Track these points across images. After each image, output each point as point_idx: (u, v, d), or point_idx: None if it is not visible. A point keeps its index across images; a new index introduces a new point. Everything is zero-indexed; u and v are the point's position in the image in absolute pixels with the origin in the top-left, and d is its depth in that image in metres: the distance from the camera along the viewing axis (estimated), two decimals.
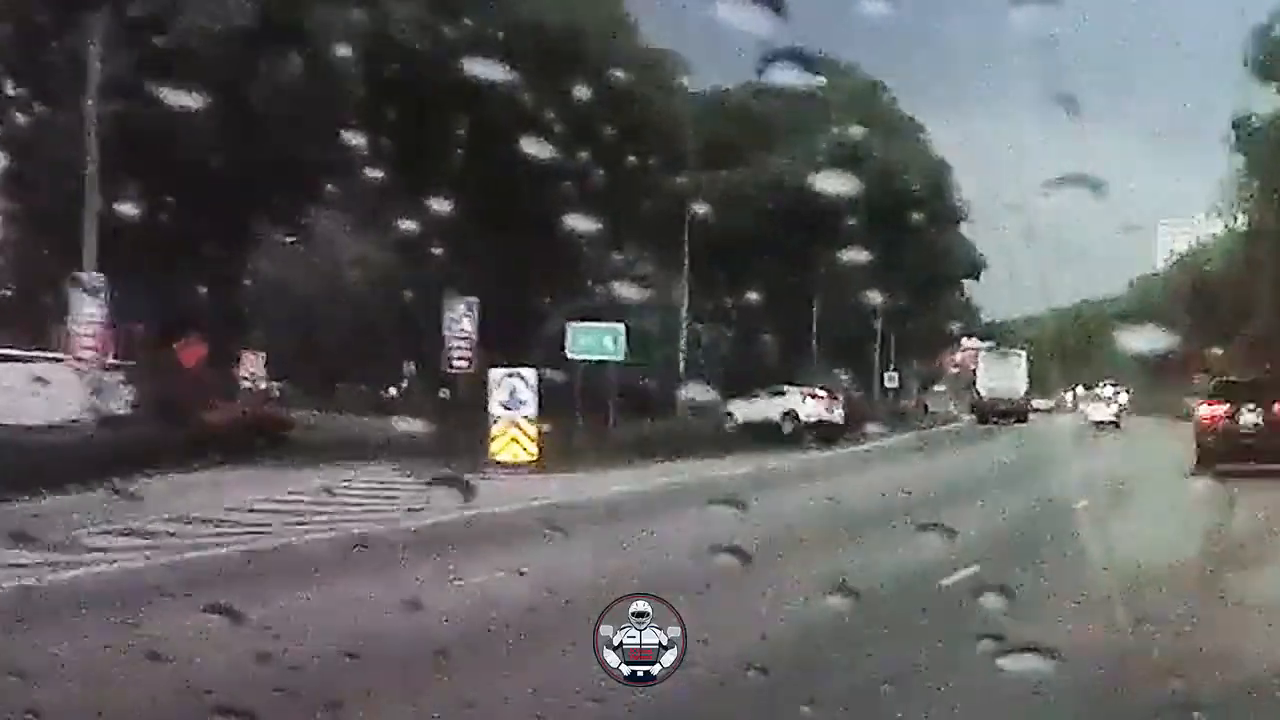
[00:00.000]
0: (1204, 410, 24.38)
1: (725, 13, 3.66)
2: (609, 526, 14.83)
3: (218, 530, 14.17)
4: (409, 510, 15.28)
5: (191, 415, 23.23)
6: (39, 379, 20.85)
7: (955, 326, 54.68)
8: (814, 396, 35.48)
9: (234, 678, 6.55)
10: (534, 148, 14.22)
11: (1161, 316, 43.09)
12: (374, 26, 24.85)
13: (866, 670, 7.24)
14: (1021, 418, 45.54)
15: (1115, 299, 59.76)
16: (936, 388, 60.41)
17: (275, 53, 23.94)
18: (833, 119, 33.64)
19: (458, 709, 6.67)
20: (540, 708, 6.56)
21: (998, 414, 45.55)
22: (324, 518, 15.87)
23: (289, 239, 32.49)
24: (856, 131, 32.45)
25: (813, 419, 34.63)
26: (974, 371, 52.14)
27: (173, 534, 13.34)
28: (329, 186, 27.75)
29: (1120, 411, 46.96)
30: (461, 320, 27.35)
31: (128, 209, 21.73)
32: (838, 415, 35.39)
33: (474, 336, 27.32)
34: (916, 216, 34.24)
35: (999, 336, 56.29)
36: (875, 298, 34.54)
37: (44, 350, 23.86)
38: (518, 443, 23.58)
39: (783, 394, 35.37)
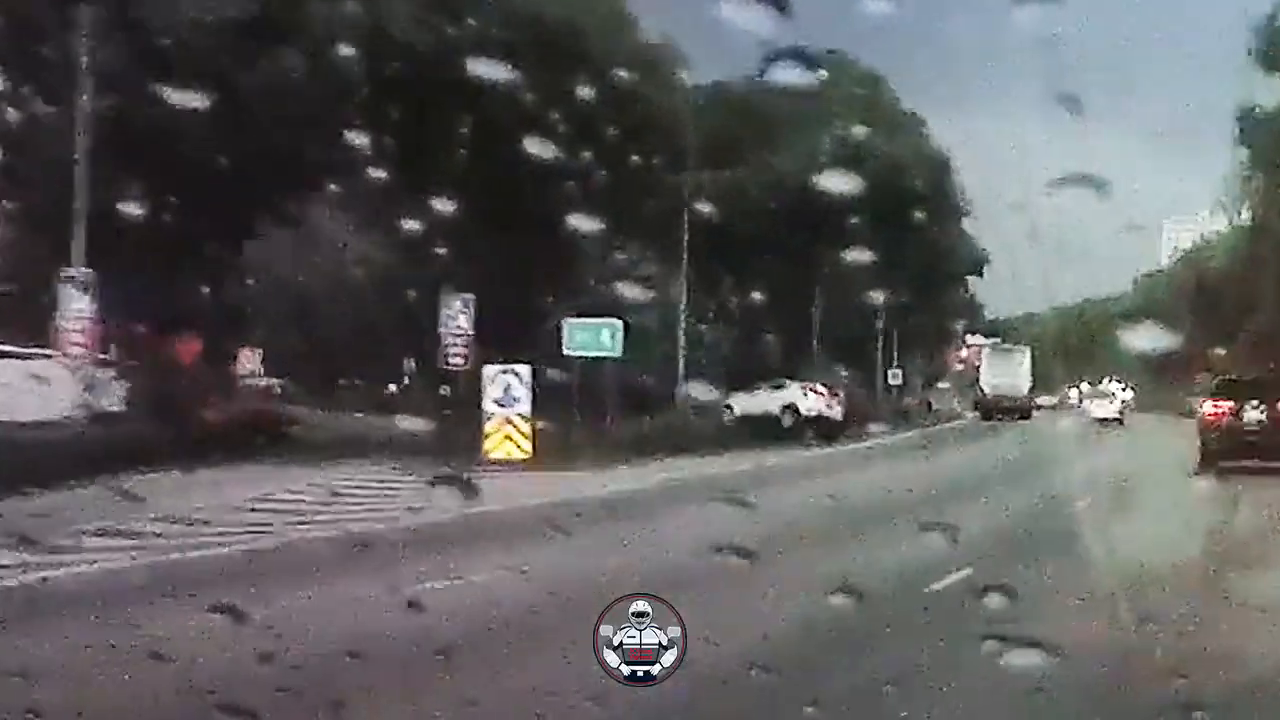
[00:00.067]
0: (1208, 408, 24.37)
1: (729, 12, 3.66)
2: (609, 525, 14.80)
3: (211, 530, 14.08)
4: (408, 509, 15.26)
5: (187, 412, 23.14)
6: (34, 376, 20.82)
7: (959, 324, 54.62)
8: (814, 391, 35.45)
9: (235, 677, 6.54)
10: (536, 147, 14.24)
11: (1165, 314, 43.01)
12: (372, 22, 24.81)
13: (869, 670, 7.23)
14: (1025, 415, 45.50)
15: (1119, 296, 59.73)
16: (941, 385, 60.34)
17: (272, 48, 23.89)
18: (834, 114, 33.58)
19: (459, 708, 6.66)
20: (541, 707, 6.55)
21: (1001, 411, 45.51)
22: (323, 516, 15.83)
23: (289, 236, 32.44)
24: (859, 131, 32.38)
25: (813, 413, 34.58)
26: (978, 369, 52.10)
27: (159, 534, 13.21)
28: (330, 184, 27.75)
29: (1124, 409, 46.93)
30: (458, 317, 27.22)
31: (124, 205, 21.64)
32: (837, 411, 35.35)
33: (470, 333, 27.21)
34: (919, 213, 34.16)
35: (1003, 334, 56.25)
36: (878, 296, 34.53)
37: (41, 347, 23.77)
38: (512, 440, 23.47)
39: (783, 388, 35.34)
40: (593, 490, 18.76)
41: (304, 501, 17.17)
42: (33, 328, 24.07)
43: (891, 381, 46.04)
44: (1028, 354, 49.01)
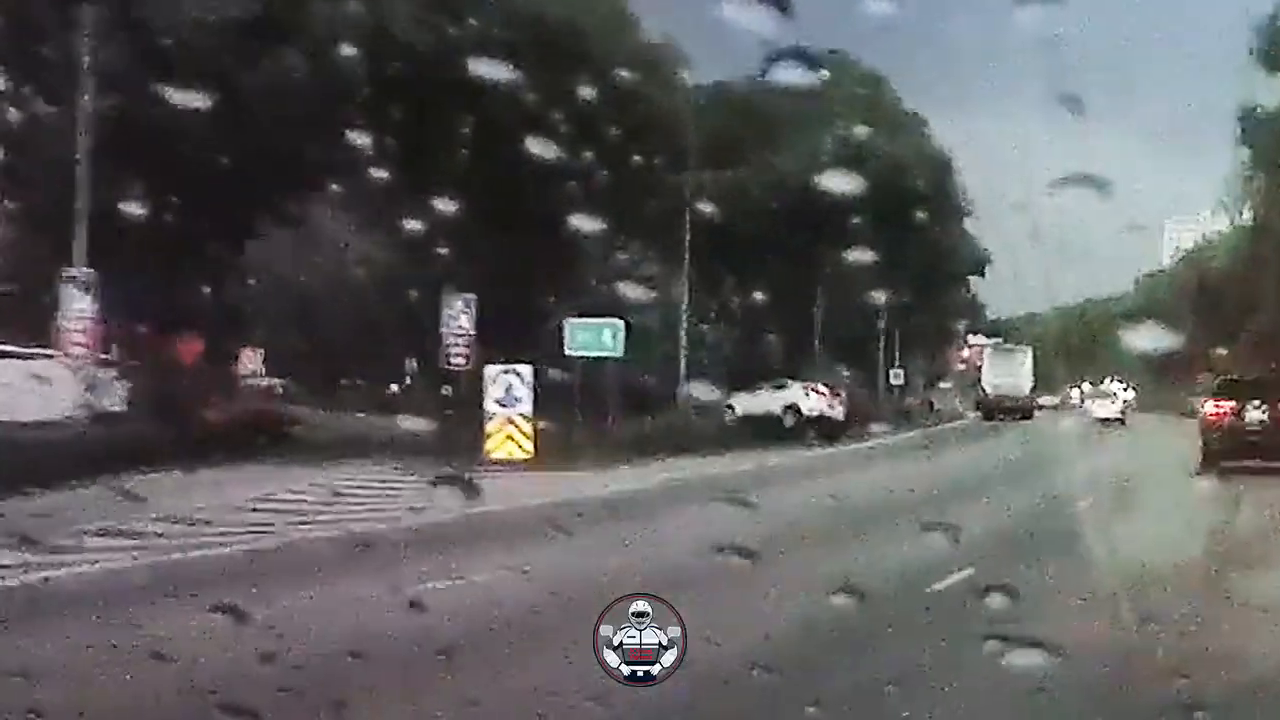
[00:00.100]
0: (1209, 407, 24.34)
1: (730, 12, 3.66)
2: (610, 525, 14.79)
3: (212, 530, 14.05)
4: (410, 509, 15.25)
5: (188, 413, 23.09)
6: (35, 376, 20.79)
7: (961, 324, 54.60)
8: (816, 391, 35.45)
9: (236, 677, 6.53)
10: (537, 147, 14.23)
11: (1167, 314, 42.97)
12: (374, 22, 24.80)
13: (871, 670, 7.22)
14: (1026, 415, 45.49)
15: (1121, 296, 59.71)
16: (943, 385, 60.34)
17: (274, 48, 23.89)
18: (836, 114, 33.56)
19: (459, 708, 6.65)
20: (542, 707, 6.54)
21: (1003, 411, 45.50)
22: (325, 516, 15.81)
23: (292, 236, 32.44)
24: (861, 131, 32.36)
25: (814, 413, 34.57)
26: (980, 369, 52.11)
27: (160, 534, 13.17)
28: (331, 184, 27.73)
29: (1125, 409, 46.91)
30: (459, 317, 27.17)
31: (125, 205, 21.61)
32: (839, 411, 35.35)
33: (472, 333, 27.16)
34: (920, 213, 34.15)
35: (1005, 333, 56.23)
36: (880, 296, 34.52)
37: (43, 347, 23.74)
38: (513, 440, 23.39)
39: (785, 387, 35.33)
40: (594, 490, 18.74)
41: (305, 501, 17.15)
42: (34, 328, 24.06)
43: (893, 381, 46.04)
44: (1029, 354, 49.00)
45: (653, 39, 30.20)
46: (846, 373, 40.34)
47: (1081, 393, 58.48)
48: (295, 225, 30.51)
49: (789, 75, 4.16)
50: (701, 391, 32.39)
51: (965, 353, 60.37)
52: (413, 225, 23.91)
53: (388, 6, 25.60)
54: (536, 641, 8.03)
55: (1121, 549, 10.99)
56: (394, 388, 37.05)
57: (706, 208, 30.63)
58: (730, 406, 34.40)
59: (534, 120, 18.65)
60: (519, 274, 28.51)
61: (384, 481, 19.41)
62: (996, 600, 5.87)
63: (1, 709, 6.03)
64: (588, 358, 28.32)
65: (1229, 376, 28.04)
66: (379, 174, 23.11)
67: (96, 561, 11.63)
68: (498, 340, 26.48)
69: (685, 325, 35.00)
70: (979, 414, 48.48)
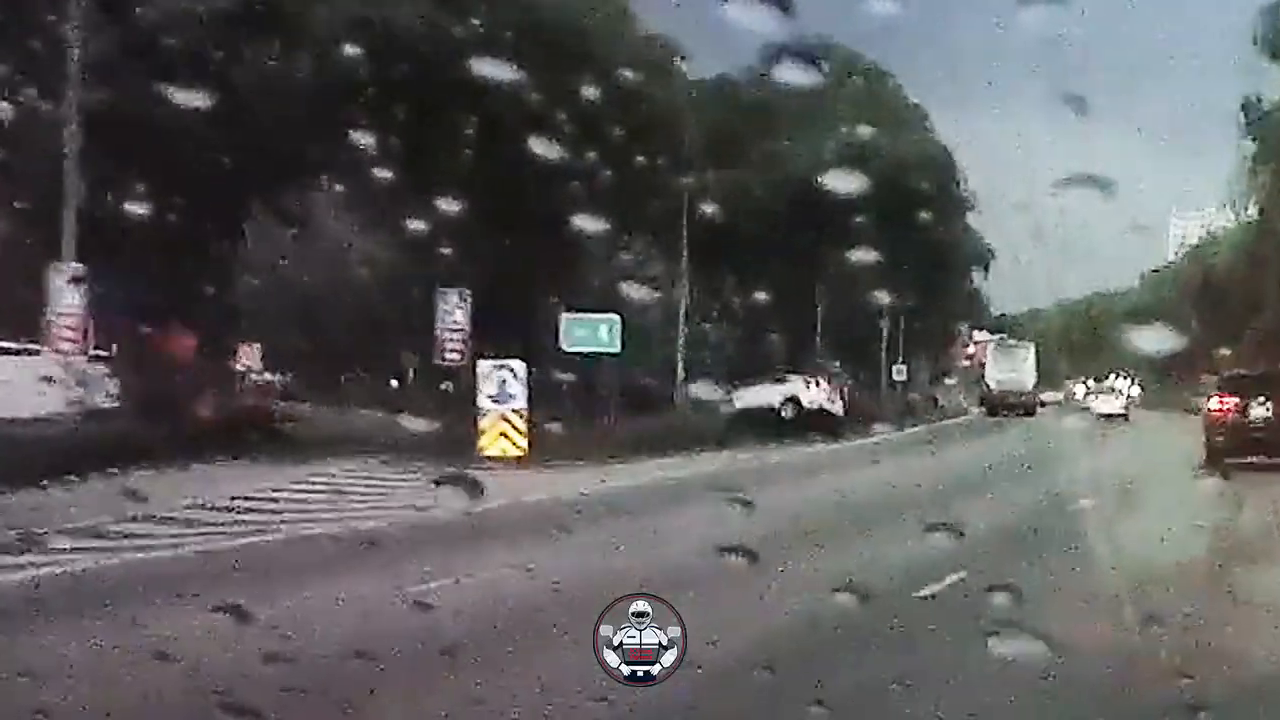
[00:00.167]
0: (1213, 404, 24.25)
1: (733, 12, 3.65)
2: (609, 523, 14.76)
3: (186, 528, 13.93)
4: (411, 507, 15.22)
5: (180, 409, 22.95)
6: (24, 372, 20.75)
7: (964, 320, 54.59)
8: (816, 383, 35.48)
9: (225, 674, 6.50)
10: (540, 146, 14.21)
11: (1172, 310, 42.91)
12: (363, 12, 24.72)
13: (874, 670, 7.20)
14: (1029, 411, 45.47)
15: (1125, 292, 59.66)
16: (948, 380, 60.36)
17: (270, 40, 23.82)
18: (838, 108, 33.49)
19: (462, 706, 6.63)
20: (546, 707, 6.52)
21: (1006, 407, 45.49)
22: (307, 515, 15.73)
23: (291, 231, 32.45)
24: (865, 131, 32.28)
25: (814, 405, 34.59)
26: (984, 365, 52.09)
27: (128, 534, 13.06)
28: (330, 179, 27.72)
29: (1128, 404, 46.84)
30: (454, 311, 27.01)
31: (120, 199, 21.57)
32: (838, 405, 35.39)
33: (467, 328, 27.01)
34: (923, 208, 34.12)
35: (1008, 329, 56.18)
36: (883, 292, 34.46)
37: (32, 343, 23.63)
38: (507, 437, 23.15)
39: (785, 381, 35.33)
40: (594, 487, 18.73)
41: (292, 500, 17.00)
42: (29, 324, 23.98)
43: (896, 378, 46.04)
44: (1032, 350, 48.97)
45: (650, 32, 30.07)
46: (837, 364, 40.29)
47: (1086, 388, 58.42)
48: (292, 221, 30.48)
49: (790, 72, 4.13)
50: (704, 391, 32.40)
51: (971, 349, 60.35)
52: (416, 225, 23.83)
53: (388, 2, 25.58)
54: (537, 641, 8.00)
55: (1124, 547, 10.96)
56: (394, 384, 37.10)
57: (709, 208, 30.58)
58: (730, 400, 34.43)
59: (536, 119, 18.61)
60: (521, 273, 28.48)
61: (371, 479, 19.36)
62: (999, 599, 5.83)
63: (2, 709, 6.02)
64: (590, 360, 28.16)
65: (1234, 372, 27.95)
66: (380, 170, 23.04)
67: (73, 561, 11.47)
68: (499, 339, 26.45)
69: (684, 323, 35.00)
70: (982, 410, 48.45)
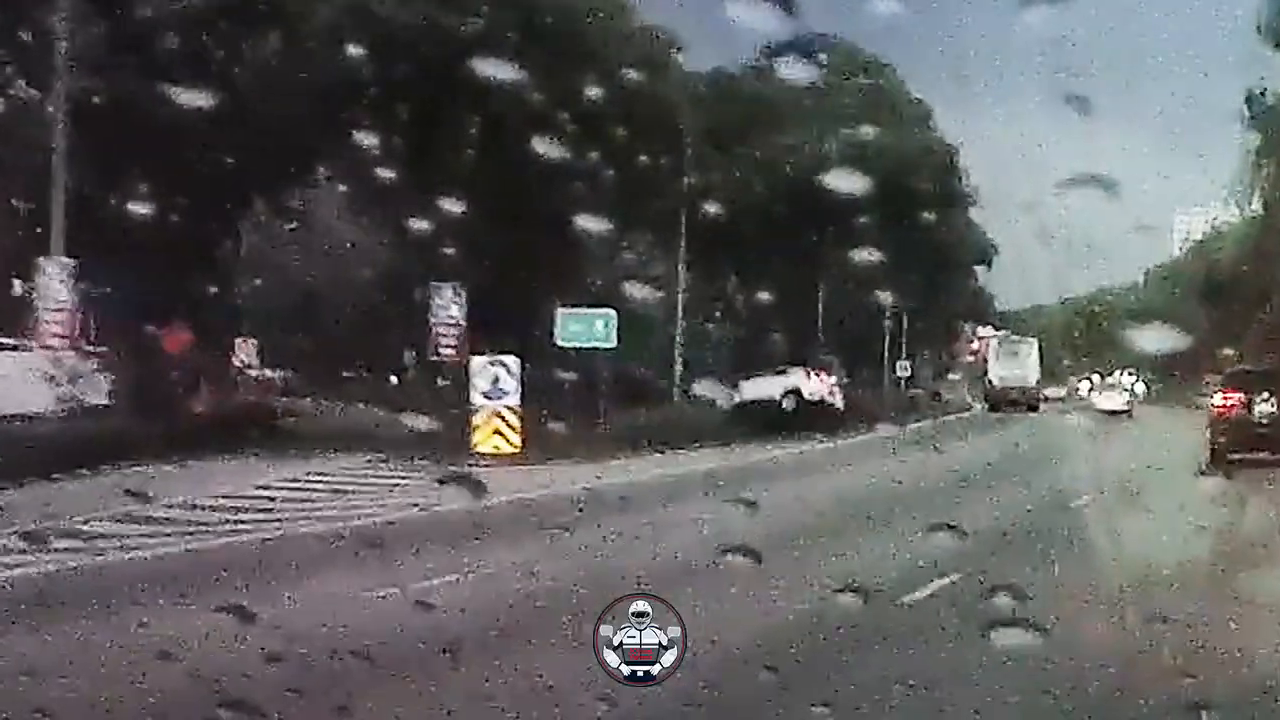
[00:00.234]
0: (1217, 400, 24.14)
1: (736, 12, 3.64)
2: (609, 521, 14.70)
3: (159, 529, 13.75)
4: (413, 505, 15.19)
5: (173, 406, 22.77)
6: (40, 373, 20.68)
7: (969, 316, 54.54)
8: (818, 374, 35.53)
9: (236, 672, 6.50)
10: (542, 145, 14.18)
11: (1176, 306, 42.78)
12: (369, 9, 24.67)
13: (877, 669, 7.18)
14: (1033, 407, 45.44)
15: (1130, 289, 59.59)
16: (952, 376, 60.34)
17: (271, 37, 23.76)
18: (840, 103, 33.43)
19: (461, 702, 6.60)
20: (547, 706, 6.49)
21: (1009, 403, 45.47)
22: (294, 513, 15.65)
23: (291, 227, 32.43)
24: (868, 131, 32.20)
25: (816, 396, 34.61)
26: (987, 361, 52.06)
27: (98, 535, 12.87)
28: (330, 175, 27.67)
29: (1131, 401, 46.77)
30: (449, 306, 26.65)
31: (116, 194, 21.50)
32: (839, 398, 35.43)
33: (462, 323, 26.68)
34: (925, 203, 34.07)
35: (1012, 326, 56.13)
36: (886, 288, 34.45)
37: (22, 338, 23.50)
38: (500, 434, 22.86)
39: (786, 373, 35.35)
40: (592, 485, 18.69)
41: (276, 497, 16.83)
42: (20, 320, 23.88)
43: (899, 374, 46.02)
44: (1035, 346, 48.91)
45: (645, 23, 29.84)
46: (829, 356, 40.26)
47: (1090, 384, 58.37)
48: (292, 217, 30.43)
49: (792, 68, 4.13)
50: (707, 387, 32.36)
51: (976, 344, 60.31)
52: (418, 223, 23.78)
53: None
54: (537, 641, 7.97)
55: (1126, 546, 10.91)
56: (394, 379, 37.09)
57: (712, 208, 30.46)
58: (732, 397, 34.45)
59: (534, 113, 18.53)
60: (522, 269, 28.38)
61: (360, 475, 19.28)
62: (1002, 599, 5.81)
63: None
64: (590, 355, 27.91)
65: (1238, 368, 27.85)
66: (379, 169, 22.95)
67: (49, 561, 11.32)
68: (499, 335, 26.36)
69: (683, 319, 34.96)
70: (986, 406, 48.42)
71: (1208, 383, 33.44)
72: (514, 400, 23.10)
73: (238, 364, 31.26)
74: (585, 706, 5.28)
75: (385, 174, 22.44)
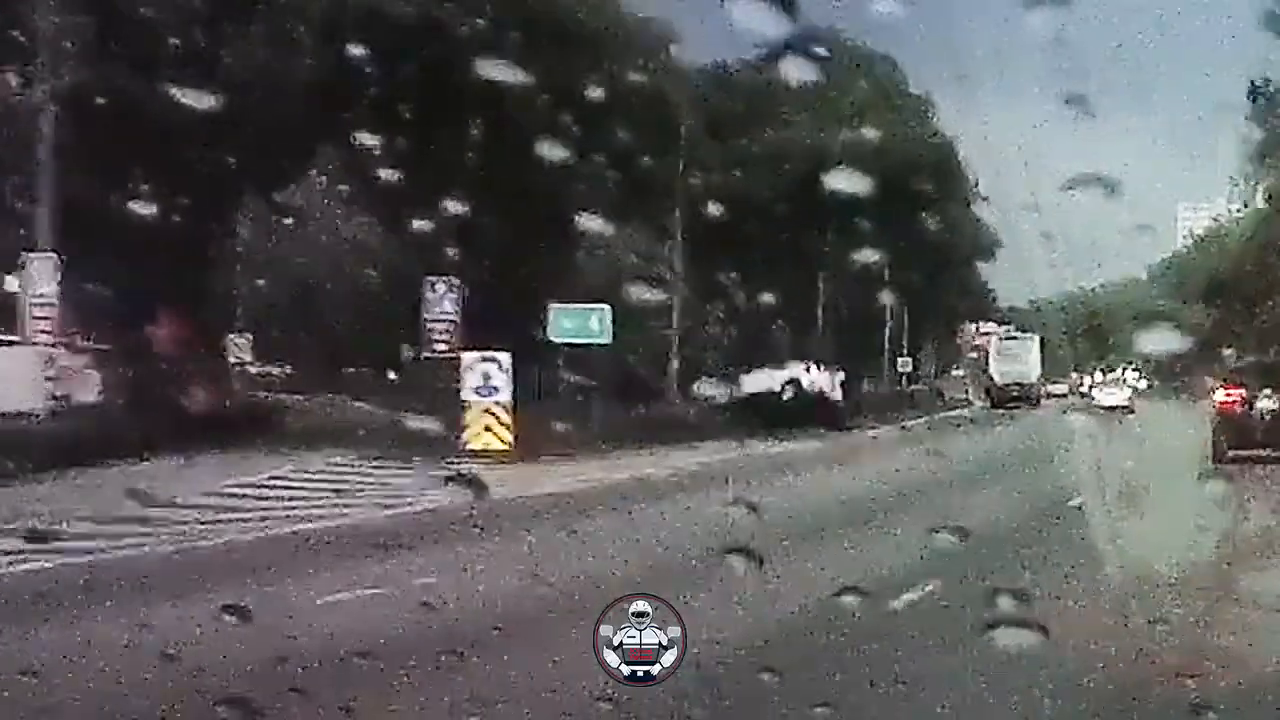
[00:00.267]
0: (1219, 395, 24.09)
1: (737, 13, 3.63)
2: (608, 519, 14.69)
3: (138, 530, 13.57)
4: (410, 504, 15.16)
5: (163, 401, 22.61)
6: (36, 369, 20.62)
7: (971, 312, 54.52)
8: (818, 367, 35.62)
9: (233, 670, 6.49)
10: (539, 137, 14.15)
11: (1178, 302, 42.72)
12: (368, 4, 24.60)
13: (878, 670, 7.17)
14: (1034, 403, 45.44)
15: (1132, 285, 59.54)
16: (954, 372, 60.33)
17: (244, 24, 23.61)
18: (842, 99, 33.39)
19: (466, 704, 6.59)
20: (547, 706, 6.48)
21: (1011, 399, 45.49)
22: (280, 512, 15.62)
23: (288, 222, 32.37)
24: (870, 133, 32.12)
25: (815, 387, 34.72)
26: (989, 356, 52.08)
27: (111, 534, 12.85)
28: (329, 170, 27.62)
29: (1133, 397, 46.74)
30: (442, 300, 26.31)
31: (111, 189, 21.42)
32: (839, 392, 35.52)
33: (456, 318, 26.38)
34: (927, 199, 34.03)
35: (1015, 322, 56.11)
36: (888, 284, 34.46)
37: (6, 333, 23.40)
38: (491, 431, 22.62)
39: (786, 366, 35.40)
40: (590, 483, 18.68)
41: (265, 495, 16.81)
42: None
43: (901, 369, 46.00)
44: (1036, 342, 48.90)
45: (640, 14, 29.67)
46: (828, 353, 40.34)
47: (1092, 380, 58.34)
48: (289, 212, 30.36)
49: (793, 70, 4.12)
50: (707, 385, 32.42)
51: (979, 340, 60.28)
52: (414, 216, 23.74)
53: None
54: (537, 640, 7.96)
55: (1127, 547, 10.88)
56: (392, 375, 37.04)
57: (711, 203, 30.39)
58: (732, 394, 34.52)
59: (535, 112, 18.47)
60: (523, 269, 28.33)
61: (340, 472, 19.23)
62: (1004, 600, 5.80)
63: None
64: (587, 353, 27.64)
65: (1242, 363, 27.80)
66: (378, 164, 22.91)
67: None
68: (498, 333, 26.28)
69: (680, 315, 34.94)
70: (987, 402, 48.42)
71: (1209, 380, 33.40)
72: (505, 397, 22.74)
73: (233, 360, 31.16)
74: (585, 706, 5.27)
75: (383, 171, 22.37)
